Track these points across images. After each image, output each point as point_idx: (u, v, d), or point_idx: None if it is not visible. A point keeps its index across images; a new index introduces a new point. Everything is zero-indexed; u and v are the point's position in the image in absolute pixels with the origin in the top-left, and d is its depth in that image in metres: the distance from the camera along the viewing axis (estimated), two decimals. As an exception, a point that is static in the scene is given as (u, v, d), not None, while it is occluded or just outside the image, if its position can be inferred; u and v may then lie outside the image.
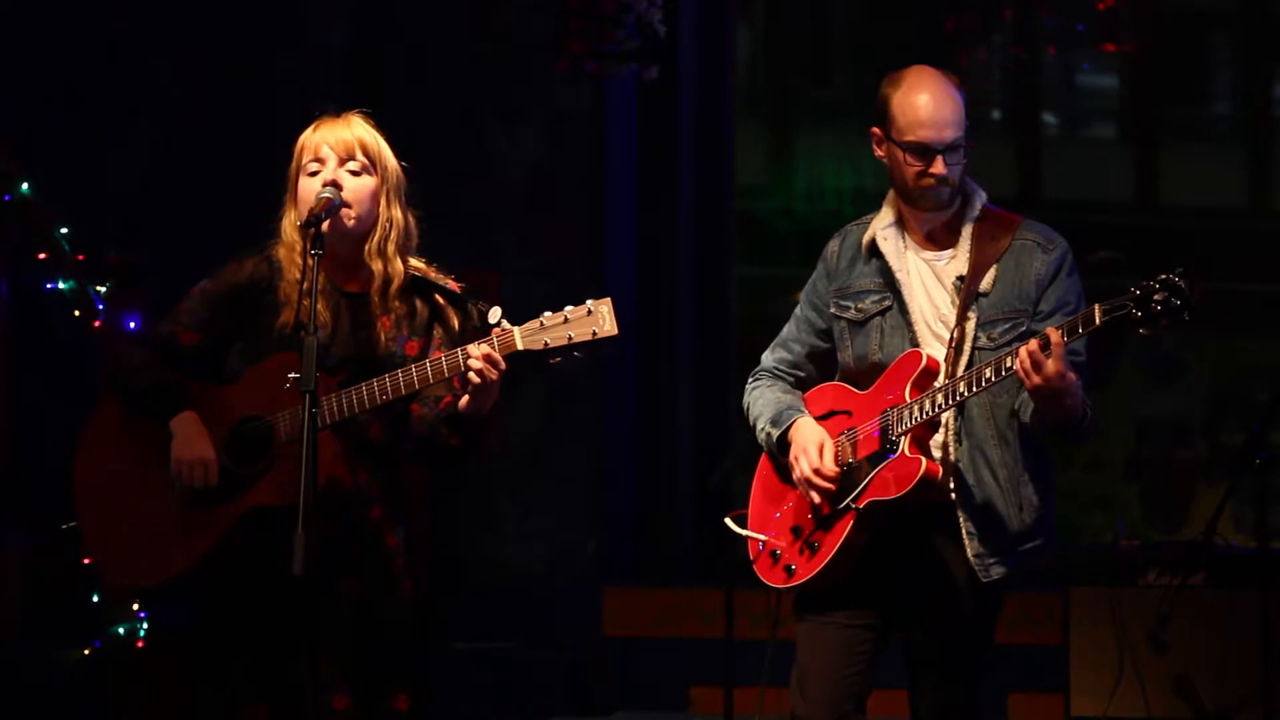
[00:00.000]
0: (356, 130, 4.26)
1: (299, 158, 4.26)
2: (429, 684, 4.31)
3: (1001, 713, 6.99)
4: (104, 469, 4.36)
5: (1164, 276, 3.92)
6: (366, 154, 4.23)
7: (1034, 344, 4.02)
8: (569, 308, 4.04)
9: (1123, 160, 10.40)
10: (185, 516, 4.24)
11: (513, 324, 4.05)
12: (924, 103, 4.29)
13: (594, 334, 4.02)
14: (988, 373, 4.13)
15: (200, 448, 4.20)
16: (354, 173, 4.22)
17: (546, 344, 4.02)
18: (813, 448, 4.34)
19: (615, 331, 4.02)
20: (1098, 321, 3.98)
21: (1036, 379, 4.01)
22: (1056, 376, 4.01)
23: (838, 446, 4.34)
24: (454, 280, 4.33)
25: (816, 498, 4.33)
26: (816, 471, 4.31)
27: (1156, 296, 3.91)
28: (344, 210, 4.19)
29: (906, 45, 9.91)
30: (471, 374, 4.01)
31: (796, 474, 4.35)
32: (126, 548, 4.32)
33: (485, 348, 4.02)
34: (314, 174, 4.22)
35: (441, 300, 4.28)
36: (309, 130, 4.28)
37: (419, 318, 4.28)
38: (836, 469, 4.31)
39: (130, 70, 7.45)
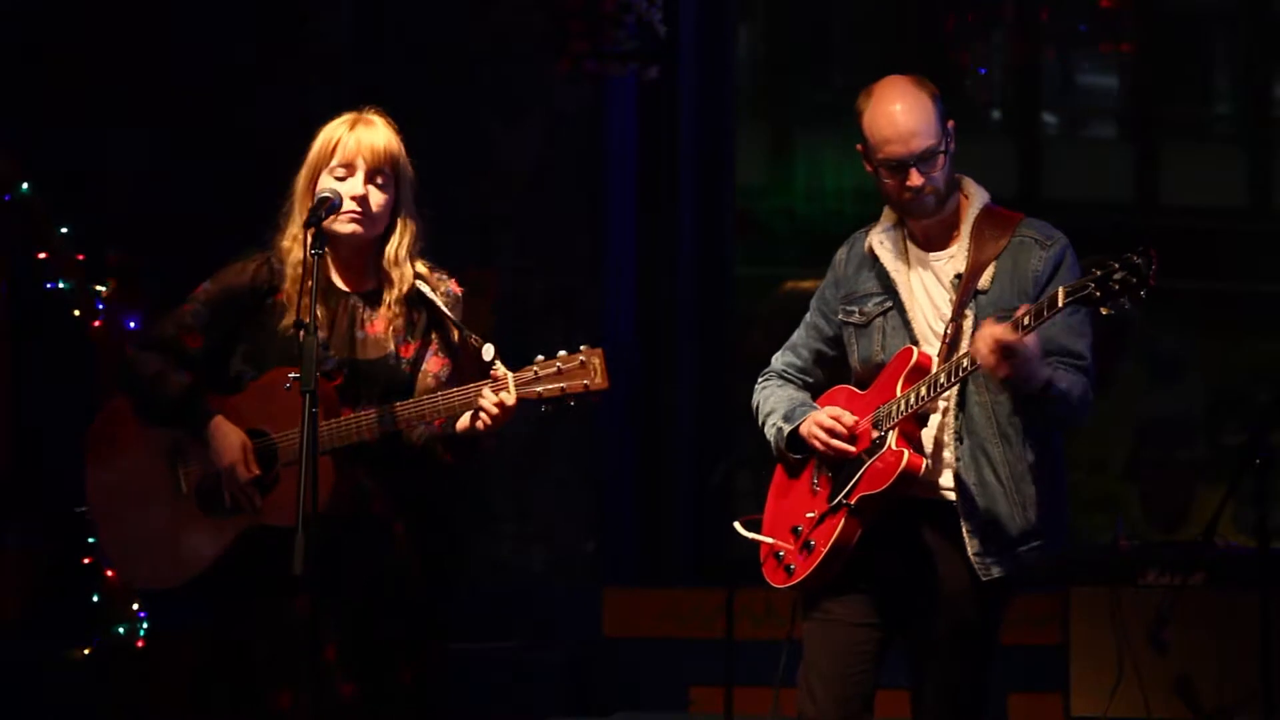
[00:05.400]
0: (387, 140, 4.26)
1: (326, 154, 4.25)
2: (439, 667, 4.35)
3: (1001, 713, 6.99)
4: (115, 472, 4.38)
5: (1124, 256, 3.96)
6: (393, 166, 4.26)
7: (992, 341, 4.03)
8: (561, 354, 4.09)
9: (1123, 160, 10.40)
10: (197, 520, 4.27)
11: (505, 361, 4.10)
12: (888, 118, 4.29)
13: (584, 387, 4.07)
14: (964, 361, 4.15)
15: (230, 454, 4.20)
16: (379, 186, 4.24)
17: (539, 395, 4.08)
18: (825, 414, 4.36)
19: (606, 385, 4.08)
20: (1061, 303, 4.02)
21: (1006, 369, 4.05)
22: (1022, 364, 4.08)
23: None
24: (455, 281, 4.34)
25: (838, 445, 4.31)
26: (837, 419, 4.31)
27: (1116, 276, 3.96)
28: (366, 222, 4.22)
29: (907, 45, 9.92)
30: (483, 414, 4.07)
31: (818, 434, 4.33)
32: (141, 549, 4.34)
33: (502, 395, 4.07)
34: (341, 179, 4.22)
35: (441, 307, 4.29)
36: (341, 126, 4.26)
37: (418, 322, 4.30)
38: (852, 420, 4.31)
39: (130, 70, 7.45)
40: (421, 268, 4.32)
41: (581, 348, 4.09)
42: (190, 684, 4.40)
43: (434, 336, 4.30)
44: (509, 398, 4.06)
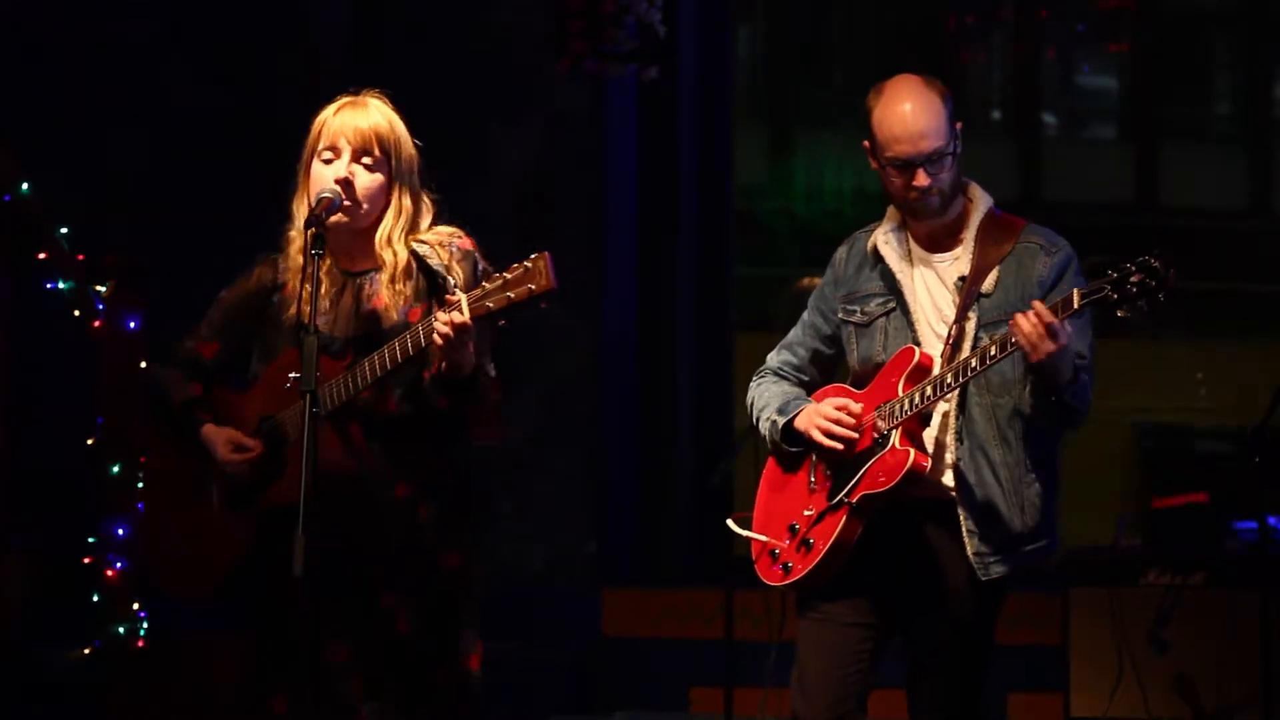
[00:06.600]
0: (375, 120, 4.26)
1: (315, 140, 4.26)
2: (471, 656, 4.42)
3: (1001, 713, 6.99)
4: (164, 480, 4.50)
5: (1140, 259, 3.95)
6: (382, 147, 4.24)
7: (1034, 315, 4.02)
8: (512, 266, 4.05)
9: (1123, 160, 10.41)
10: (223, 522, 4.33)
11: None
12: (899, 117, 4.28)
13: (530, 291, 4.00)
14: (992, 350, 4.12)
15: (219, 451, 4.28)
16: (367, 167, 4.23)
17: (489, 308, 4.03)
18: (830, 405, 4.34)
19: (552, 285, 4.00)
20: (1076, 305, 4.01)
21: (1050, 346, 4.02)
22: (1060, 352, 4.06)
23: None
24: (469, 238, 4.34)
25: (842, 439, 4.30)
26: (844, 409, 4.30)
27: (1133, 279, 3.95)
28: (353, 207, 4.21)
29: (906, 45, 9.93)
30: (436, 336, 4.05)
31: (819, 425, 4.32)
32: (177, 560, 4.44)
33: (453, 314, 4.05)
34: (328, 162, 4.23)
35: (437, 268, 4.27)
36: (329, 111, 4.27)
37: (421, 286, 4.28)
38: (859, 409, 4.30)
39: (130, 70, 7.45)
40: (427, 235, 4.30)
41: (531, 254, 4.04)
42: (184, 689, 4.43)
43: (435, 300, 4.30)
44: (459, 316, 4.02)
